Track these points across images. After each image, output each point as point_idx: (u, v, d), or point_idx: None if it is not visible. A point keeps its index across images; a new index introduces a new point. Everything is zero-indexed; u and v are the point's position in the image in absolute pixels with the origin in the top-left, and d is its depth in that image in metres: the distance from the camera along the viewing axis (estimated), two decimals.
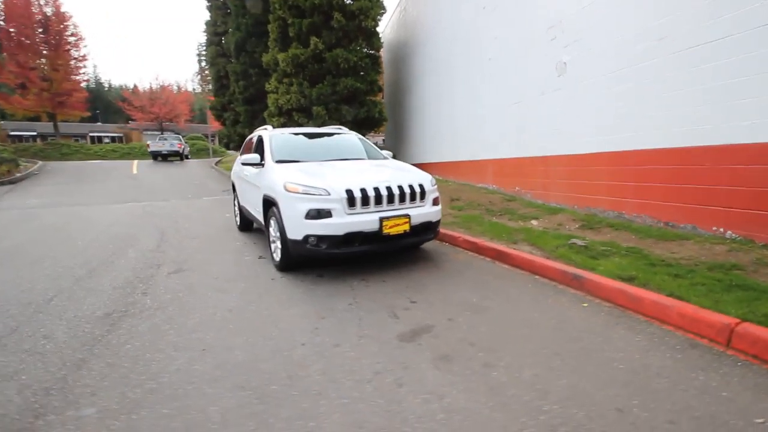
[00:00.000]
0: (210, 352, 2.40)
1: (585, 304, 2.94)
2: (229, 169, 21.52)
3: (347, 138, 5.32)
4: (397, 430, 1.67)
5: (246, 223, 6.17)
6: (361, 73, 12.19)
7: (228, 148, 17.81)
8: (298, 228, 3.56)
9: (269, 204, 4.14)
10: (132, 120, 37.64)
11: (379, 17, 12.17)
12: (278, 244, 3.99)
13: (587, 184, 5.61)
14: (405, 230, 3.71)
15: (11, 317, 3.01)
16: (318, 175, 3.84)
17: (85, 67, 29.03)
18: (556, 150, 6.17)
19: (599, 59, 5.30)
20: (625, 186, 4.98)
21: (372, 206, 3.61)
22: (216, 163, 19.87)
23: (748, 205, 3.63)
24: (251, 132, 15.84)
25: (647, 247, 4.03)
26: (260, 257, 4.67)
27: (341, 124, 11.96)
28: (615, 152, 5.07)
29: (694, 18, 4.02)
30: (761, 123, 3.47)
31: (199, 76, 67.66)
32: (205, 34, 17.51)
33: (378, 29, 12.51)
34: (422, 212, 3.85)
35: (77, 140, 33.43)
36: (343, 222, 3.46)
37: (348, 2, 12.19)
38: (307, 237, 3.51)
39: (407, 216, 3.72)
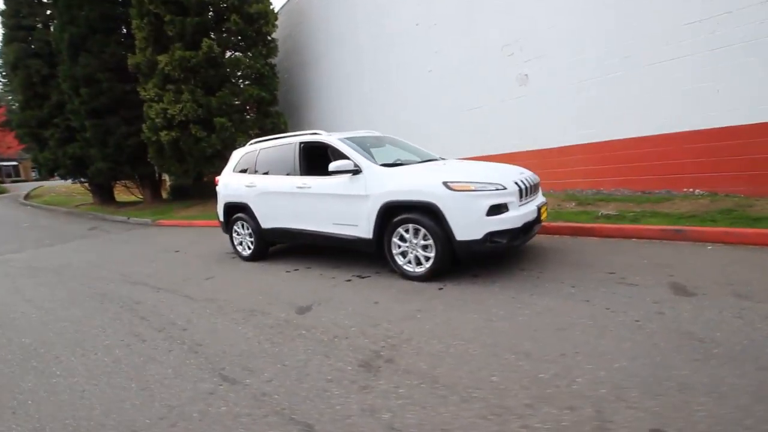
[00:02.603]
0: (578, 356, 2.21)
1: (709, 247, 3.88)
2: (49, 202, 16.19)
3: (400, 142, 5.10)
4: None
5: (262, 250, 5.13)
6: (265, 83, 11.20)
7: (52, 175, 13.13)
8: (476, 227, 3.38)
9: (396, 211, 3.72)
10: None
11: (275, 24, 11.45)
12: (419, 252, 3.66)
13: (561, 171, 6.91)
14: (545, 217, 3.98)
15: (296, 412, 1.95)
16: (469, 171, 3.73)
17: None
18: (524, 147, 7.31)
19: (562, 72, 6.64)
20: (600, 169, 6.42)
21: (528, 196, 3.76)
22: (26, 197, 14.54)
23: (710, 169, 5.36)
24: (105, 152, 12.10)
25: (656, 209, 5.36)
26: (361, 276, 4.07)
27: (248, 137, 10.77)
28: (589, 143, 6.47)
29: (657, 40, 5.63)
30: (714, 114, 5.21)
31: None
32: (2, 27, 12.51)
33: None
34: (545, 200, 4.20)
35: None
36: (519, 214, 3.49)
37: (236, 3, 10.97)
38: (489, 234, 3.39)
39: (545, 203, 4.01)
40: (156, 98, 10.31)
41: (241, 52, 11.09)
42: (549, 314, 2.74)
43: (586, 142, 6.54)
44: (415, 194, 3.60)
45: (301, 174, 4.55)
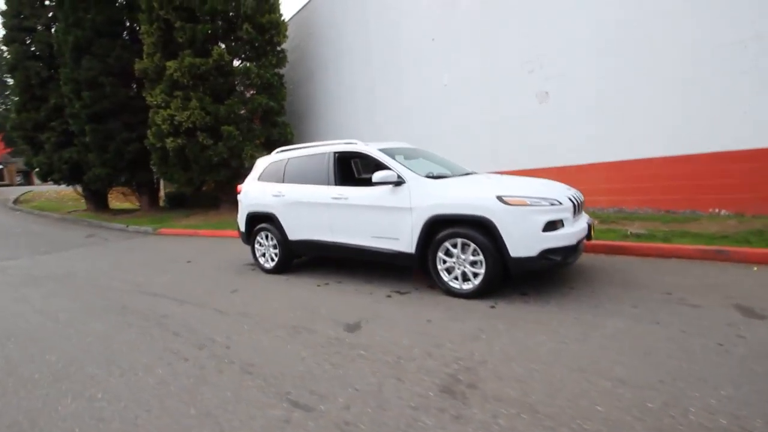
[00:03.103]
0: (678, 383, 2.09)
1: (755, 268, 3.84)
2: (41, 208, 15.60)
3: (434, 155, 5.00)
4: None
5: (286, 262, 4.93)
6: (273, 92, 11.09)
7: (45, 180, 12.65)
8: (531, 243, 3.27)
9: (443, 224, 3.60)
10: None
11: (286, 35, 11.40)
12: (467, 268, 3.52)
13: (582, 189, 6.87)
14: (594, 234, 3.90)
15: None
16: (519, 186, 3.63)
17: None
18: (541, 163, 7.31)
19: (582, 90, 6.69)
20: (622, 187, 6.43)
21: (579, 213, 3.68)
22: (14, 202, 13.98)
23: (737, 191, 5.40)
24: (104, 157, 11.65)
25: (684, 228, 5.36)
26: (400, 292, 3.90)
27: (254, 146, 10.62)
28: (611, 162, 6.50)
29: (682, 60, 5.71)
30: (741, 136, 5.28)
31: None
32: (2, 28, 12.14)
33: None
34: (590, 218, 4.13)
35: None
36: (574, 231, 3.40)
37: (248, 12, 10.89)
38: (544, 251, 3.28)
39: (593, 221, 3.93)
40: (163, 104, 10.09)
41: (250, 61, 10.99)
42: (624, 337, 2.62)
43: (608, 160, 6.56)
44: (467, 208, 3.48)
45: (336, 184, 4.41)
